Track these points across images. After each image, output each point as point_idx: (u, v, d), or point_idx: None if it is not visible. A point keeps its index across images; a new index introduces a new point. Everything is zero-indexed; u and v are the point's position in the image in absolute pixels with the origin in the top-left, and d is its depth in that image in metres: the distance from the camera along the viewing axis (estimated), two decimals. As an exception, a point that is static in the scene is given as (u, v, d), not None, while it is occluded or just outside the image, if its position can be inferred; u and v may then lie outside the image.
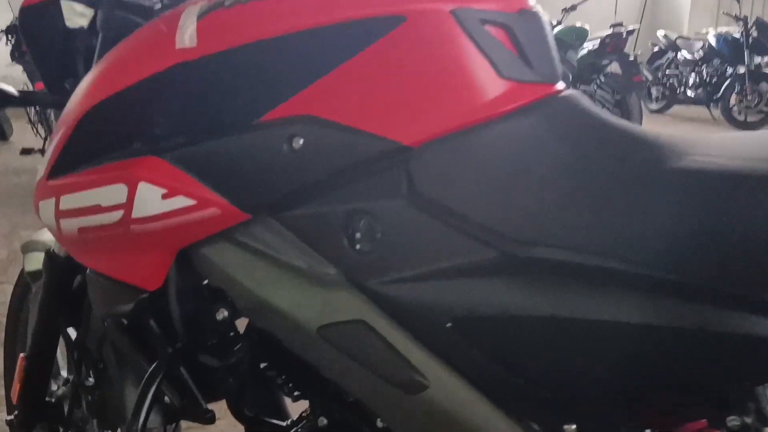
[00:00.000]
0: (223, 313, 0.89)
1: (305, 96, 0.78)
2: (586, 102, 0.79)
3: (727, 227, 0.65)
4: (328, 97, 0.77)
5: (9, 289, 1.54)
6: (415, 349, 0.77)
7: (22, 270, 1.40)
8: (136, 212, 0.84)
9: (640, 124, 7.09)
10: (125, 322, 0.99)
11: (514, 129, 0.74)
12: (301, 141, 0.77)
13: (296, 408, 1.05)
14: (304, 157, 0.78)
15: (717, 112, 9.74)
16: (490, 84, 0.75)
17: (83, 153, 0.89)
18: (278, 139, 0.78)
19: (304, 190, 0.79)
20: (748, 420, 0.70)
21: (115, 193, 0.85)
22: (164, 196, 0.82)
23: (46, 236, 1.30)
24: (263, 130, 0.80)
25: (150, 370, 0.88)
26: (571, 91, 0.79)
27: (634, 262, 0.67)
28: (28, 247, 1.36)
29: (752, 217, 0.64)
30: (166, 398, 0.99)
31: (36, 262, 1.31)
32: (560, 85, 0.79)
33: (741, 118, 9.33)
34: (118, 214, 0.86)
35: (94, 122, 0.88)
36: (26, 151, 4.43)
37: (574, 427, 0.74)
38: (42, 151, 4.44)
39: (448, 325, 0.74)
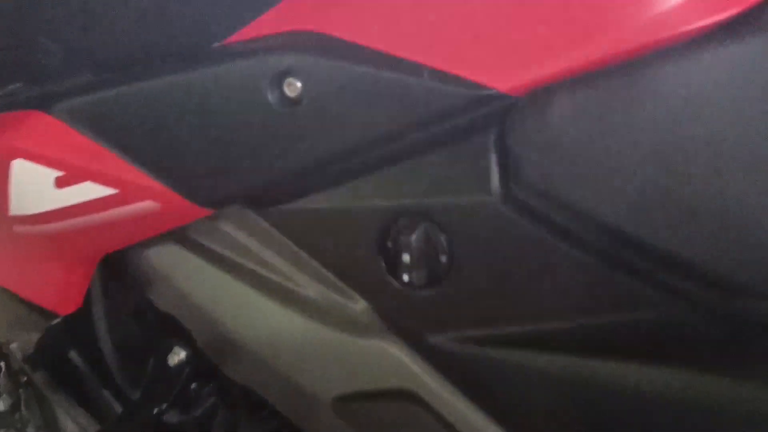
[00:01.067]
0: (178, 355, 0.56)
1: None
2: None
3: None
4: (349, 2, 0.41)
5: None
6: None
7: None
8: (17, 207, 0.49)
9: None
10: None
11: (710, 64, 0.39)
12: (299, 84, 0.42)
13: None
14: (306, 113, 0.42)
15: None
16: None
17: None
18: (257, 79, 0.43)
19: (306, 171, 0.44)
20: None
21: (-23, 173, 0.49)
22: (60, 182, 0.47)
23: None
24: (229, 62, 0.44)
25: None
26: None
27: None
28: None
29: None
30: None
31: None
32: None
33: None
34: (-12, 208, 0.50)
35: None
36: None
37: None
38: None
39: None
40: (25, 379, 0.86)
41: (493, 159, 0.41)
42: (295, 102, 0.42)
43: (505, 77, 0.39)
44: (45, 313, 0.62)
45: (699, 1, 0.38)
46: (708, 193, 0.37)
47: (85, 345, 0.63)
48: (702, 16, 0.38)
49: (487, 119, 0.40)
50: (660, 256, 0.38)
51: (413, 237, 0.43)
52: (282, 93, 0.42)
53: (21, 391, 0.88)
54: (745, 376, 0.38)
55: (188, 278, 0.53)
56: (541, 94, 0.39)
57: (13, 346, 0.67)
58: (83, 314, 0.59)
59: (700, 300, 0.37)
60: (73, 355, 0.64)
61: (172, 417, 0.62)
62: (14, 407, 0.90)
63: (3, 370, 0.88)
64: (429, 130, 0.41)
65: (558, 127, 0.40)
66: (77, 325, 0.61)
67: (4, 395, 0.89)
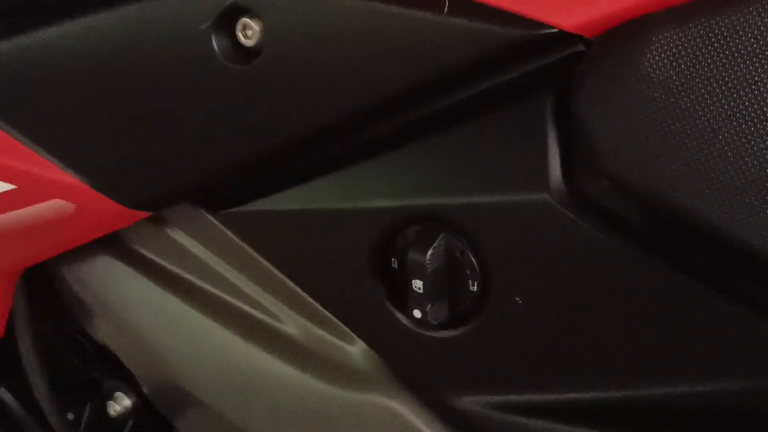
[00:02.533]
0: (121, 403, 0.44)
1: None
2: None
3: None
4: None
5: None
6: None
7: None
8: None
9: None
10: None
11: None
12: (258, 27, 0.29)
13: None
14: (269, 69, 0.29)
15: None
16: None
17: None
18: (197, 20, 0.30)
19: (275, 157, 0.32)
20: None
21: None
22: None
23: None
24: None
25: None
26: None
27: None
28: None
29: None
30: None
31: None
32: None
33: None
34: None
35: None
36: None
37: None
38: None
39: None
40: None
41: (551, 136, 0.28)
42: (253, 53, 0.30)
43: (571, 9, 0.25)
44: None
45: None
46: None
47: (13, 379, 0.50)
48: None
49: (543, 75, 0.27)
50: None
51: (429, 254, 0.29)
52: (234, 40, 0.30)
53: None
54: None
55: (127, 301, 0.41)
56: (626, 36, 0.26)
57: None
58: (7, 343, 0.47)
59: None
60: (1, 391, 0.51)
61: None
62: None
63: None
64: (452, 93, 0.28)
65: (652, 85, 0.26)
66: (2, 357, 0.48)
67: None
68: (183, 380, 0.40)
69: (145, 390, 0.44)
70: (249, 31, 0.29)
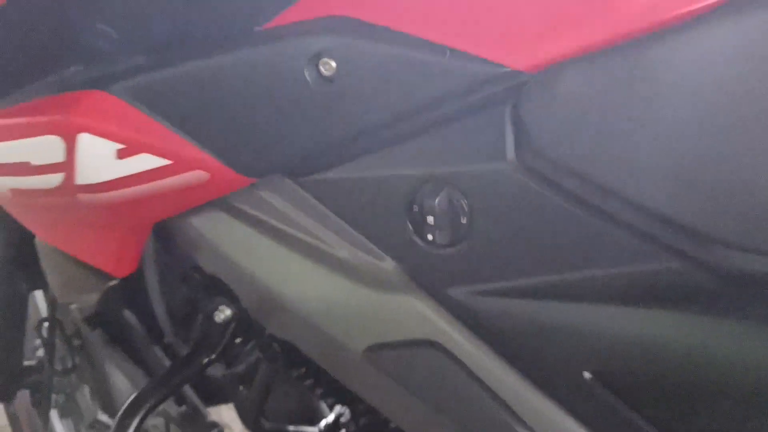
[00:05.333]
0: (224, 313, 0.61)
1: None
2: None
3: None
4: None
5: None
6: (522, 392, 0.49)
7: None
8: (82, 177, 0.54)
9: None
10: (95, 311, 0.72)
11: (711, 42, 0.42)
12: (334, 64, 0.46)
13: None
14: (340, 90, 0.47)
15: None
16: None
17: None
18: (295, 59, 0.47)
19: (340, 143, 0.49)
20: None
21: (47, 147, 0.55)
22: (121, 154, 0.52)
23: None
24: (270, 44, 0.48)
25: (137, 394, 0.61)
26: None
27: None
28: None
29: None
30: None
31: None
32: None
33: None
34: (56, 178, 0.56)
35: None
36: None
37: None
38: None
39: (586, 375, 0.45)
40: (79, 343, 0.93)
41: (509, 130, 0.43)
42: (329, 80, 0.46)
43: (520, 56, 0.42)
44: (101, 277, 0.67)
45: None
46: (698, 161, 0.41)
47: (138, 306, 0.68)
48: None
49: (504, 94, 0.43)
50: (655, 215, 0.41)
51: (437, 201, 0.46)
52: (318, 72, 0.46)
53: (75, 357, 0.94)
54: (739, 317, 0.42)
55: (232, 242, 0.58)
56: (552, 71, 0.42)
57: (73, 307, 0.73)
58: (137, 278, 0.65)
59: (691, 253, 0.41)
60: (128, 314, 0.69)
61: (217, 371, 0.68)
62: (67, 371, 0.96)
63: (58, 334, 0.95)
64: (451, 105, 0.44)
65: (566, 100, 0.43)
66: (132, 288, 0.66)
67: (59, 360, 0.96)
68: (270, 292, 0.57)
69: (243, 304, 0.62)
70: (327, 66, 0.47)
